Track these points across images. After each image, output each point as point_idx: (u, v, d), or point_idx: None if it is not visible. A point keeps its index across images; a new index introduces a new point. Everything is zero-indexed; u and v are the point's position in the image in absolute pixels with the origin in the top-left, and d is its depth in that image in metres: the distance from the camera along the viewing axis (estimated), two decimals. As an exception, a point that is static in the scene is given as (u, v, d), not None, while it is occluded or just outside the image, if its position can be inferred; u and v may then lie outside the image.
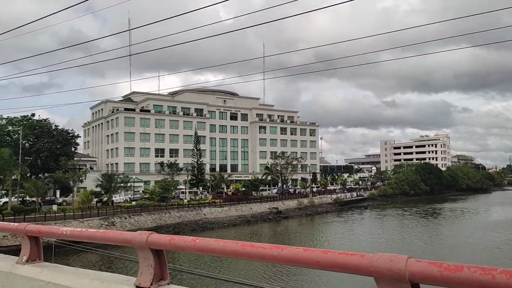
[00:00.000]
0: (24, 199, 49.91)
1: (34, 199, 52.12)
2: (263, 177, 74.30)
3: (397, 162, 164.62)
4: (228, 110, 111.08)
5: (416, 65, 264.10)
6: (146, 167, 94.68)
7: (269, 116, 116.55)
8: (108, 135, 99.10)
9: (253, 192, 73.66)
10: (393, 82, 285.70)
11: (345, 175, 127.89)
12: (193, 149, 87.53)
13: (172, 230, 48.30)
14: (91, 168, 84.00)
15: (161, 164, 70.18)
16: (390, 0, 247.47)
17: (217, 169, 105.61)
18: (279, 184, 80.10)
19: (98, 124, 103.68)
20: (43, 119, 64.14)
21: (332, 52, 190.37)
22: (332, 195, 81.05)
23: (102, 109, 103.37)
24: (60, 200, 57.88)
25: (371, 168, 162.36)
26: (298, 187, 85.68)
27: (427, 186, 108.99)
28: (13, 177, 41.95)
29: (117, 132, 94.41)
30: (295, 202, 68.78)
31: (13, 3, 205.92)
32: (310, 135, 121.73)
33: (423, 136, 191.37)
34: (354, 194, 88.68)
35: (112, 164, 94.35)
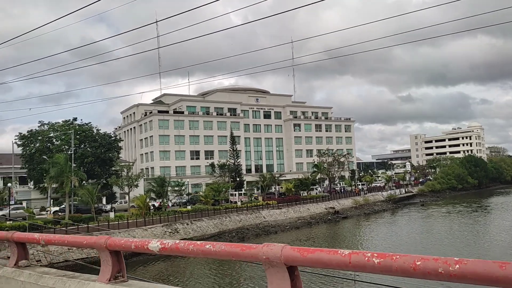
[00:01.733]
0: (77, 207, 47.07)
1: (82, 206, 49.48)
2: (312, 176, 70.47)
3: (430, 157, 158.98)
4: (261, 109, 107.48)
5: (430, 58, 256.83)
6: (182, 170, 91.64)
7: (303, 113, 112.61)
8: (141, 139, 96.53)
9: (300, 192, 69.80)
10: (407, 76, 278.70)
11: (379, 172, 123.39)
12: (230, 150, 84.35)
13: (236, 235, 44.90)
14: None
15: (212, 165, 66.88)
16: None
17: (253, 170, 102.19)
18: (326, 183, 76.13)
19: (131, 128, 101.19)
20: (85, 123, 61.38)
21: (344, 48, 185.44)
22: (383, 192, 76.75)
23: (134, 113, 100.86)
24: (109, 207, 54.97)
25: (405, 163, 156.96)
26: (344, 185, 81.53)
27: (474, 179, 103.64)
28: (70, 184, 38.92)
29: (151, 136, 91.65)
30: (350, 201, 64.81)
31: (28, 15, 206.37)
32: (345, 131, 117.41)
33: (455, 129, 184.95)
34: (403, 190, 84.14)
35: (147, 168, 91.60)
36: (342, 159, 74.12)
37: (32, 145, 58.00)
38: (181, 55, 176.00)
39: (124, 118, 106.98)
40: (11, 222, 37.12)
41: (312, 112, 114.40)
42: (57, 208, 48.55)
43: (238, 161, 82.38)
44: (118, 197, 62.43)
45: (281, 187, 67.69)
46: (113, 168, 63.03)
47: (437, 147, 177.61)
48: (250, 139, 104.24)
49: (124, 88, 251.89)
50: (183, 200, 63.45)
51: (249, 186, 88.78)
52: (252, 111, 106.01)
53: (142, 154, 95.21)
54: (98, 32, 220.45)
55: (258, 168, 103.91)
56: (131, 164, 53.50)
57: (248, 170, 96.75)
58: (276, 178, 65.83)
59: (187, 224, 43.04)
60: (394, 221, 56.43)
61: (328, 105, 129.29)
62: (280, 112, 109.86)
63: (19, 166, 58.24)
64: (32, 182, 61.61)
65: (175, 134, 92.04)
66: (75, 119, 60.62)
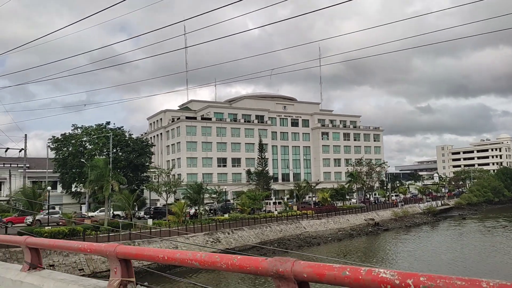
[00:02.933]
0: (114, 213, 45.58)
1: (118, 212, 47.99)
2: (347, 185, 67.81)
3: (457, 169, 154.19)
4: (289, 116, 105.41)
5: (451, 68, 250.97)
6: (209, 177, 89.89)
7: (331, 121, 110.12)
8: (168, 145, 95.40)
9: (334, 202, 67.16)
10: (427, 87, 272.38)
11: (406, 183, 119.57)
12: (258, 158, 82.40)
13: (278, 246, 42.63)
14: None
15: (249, 172, 64.93)
16: (419, 4, 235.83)
17: (280, 179, 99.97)
18: (358, 193, 73.33)
19: (157, 135, 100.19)
20: (118, 128, 60.25)
21: (363, 59, 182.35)
22: (420, 204, 73.52)
23: (161, 118, 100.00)
24: (142, 213, 53.41)
25: (432, 175, 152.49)
26: (378, 195, 78.49)
27: (510, 192, 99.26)
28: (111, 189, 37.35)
29: (179, 142, 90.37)
30: (389, 213, 61.92)
31: (53, 24, 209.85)
32: (374, 140, 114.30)
33: (483, 140, 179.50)
34: (439, 202, 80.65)
35: (174, 175, 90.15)
36: (377, 169, 71.35)
37: (65, 149, 57.06)
38: (199, 64, 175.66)
39: (151, 124, 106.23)
40: (49, 227, 35.72)
41: (340, 121, 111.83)
42: (93, 214, 47.14)
43: (266, 169, 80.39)
44: (148, 203, 60.92)
45: (316, 196, 65.17)
46: (144, 174, 61.66)
47: (465, 159, 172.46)
48: (278, 147, 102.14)
49: (143, 96, 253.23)
50: (213, 208, 61.54)
51: (275, 195, 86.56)
52: (280, 118, 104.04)
53: (169, 160, 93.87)
54: (119, 40, 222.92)
55: (284, 177, 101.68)
56: (169, 169, 51.93)
57: (275, 179, 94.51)
58: (312, 187, 63.37)
59: (228, 234, 41.03)
60: (440, 236, 53.33)
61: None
62: (308, 120, 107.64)
63: (51, 170, 57.32)
64: (61, 186, 60.67)
65: (202, 141, 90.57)
66: (108, 123, 59.63)
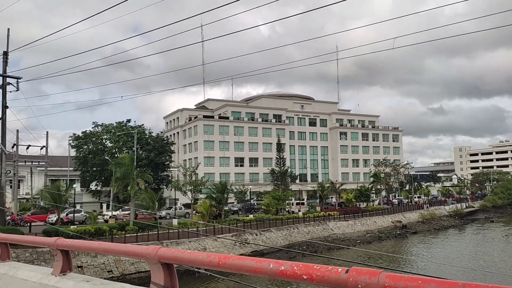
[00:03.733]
0: (136, 212, 44.41)
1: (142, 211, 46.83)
2: (370, 186, 65.92)
3: (475, 170, 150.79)
4: (307, 116, 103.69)
5: (463, 69, 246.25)
6: (226, 177, 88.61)
7: (349, 121, 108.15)
8: (185, 144, 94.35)
9: (357, 203, 65.32)
10: (439, 88, 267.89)
11: (424, 185, 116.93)
12: (276, 158, 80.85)
13: (307, 248, 41.13)
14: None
15: (272, 172, 63.49)
16: (432, 5, 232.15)
17: (298, 179, 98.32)
18: (383, 194, 71.38)
19: (174, 134, 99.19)
20: (138, 125, 59.22)
21: (375, 60, 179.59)
22: (445, 206, 71.35)
23: (177, 117, 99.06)
24: (163, 213, 52.24)
25: (451, 177, 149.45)
26: (400, 197, 76.37)
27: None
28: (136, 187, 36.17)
29: (196, 141, 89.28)
30: (416, 215, 59.96)
31: (66, 25, 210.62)
32: (393, 140, 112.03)
33: (502, 141, 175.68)
34: (464, 205, 78.29)
35: (190, 174, 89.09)
36: (401, 169, 69.36)
37: (85, 146, 56.21)
38: (211, 64, 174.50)
39: (167, 123, 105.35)
40: (75, 226, 34.67)
41: (359, 121, 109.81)
42: (115, 213, 46.09)
43: (284, 169, 78.89)
44: (167, 203, 59.83)
45: (340, 197, 63.41)
46: (165, 173, 60.60)
47: (483, 161, 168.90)
48: (295, 147, 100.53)
49: (155, 97, 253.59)
50: (235, 208, 60.22)
51: (294, 195, 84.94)
52: (298, 118, 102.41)
53: (186, 160, 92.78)
54: (132, 43, 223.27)
55: (302, 178, 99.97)
56: (195, 168, 50.70)
57: (292, 179, 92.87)
58: (337, 188, 61.61)
59: (256, 235, 39.61)
60: (472, 239, 51.24)
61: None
62: (326, 119, 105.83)
63: (71, 168, 56.49)
64: (80, 185, 59.87)
65: (219, 140, 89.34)
66: (128, 120, 58.73)
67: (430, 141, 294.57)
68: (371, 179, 69.57)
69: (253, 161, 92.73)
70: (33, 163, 48.15)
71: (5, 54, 31.39)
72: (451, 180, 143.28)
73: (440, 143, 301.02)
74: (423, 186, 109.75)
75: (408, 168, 74.90)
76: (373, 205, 67.35)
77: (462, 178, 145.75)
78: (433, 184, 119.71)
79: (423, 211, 62.92)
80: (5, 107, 30.75)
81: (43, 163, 49.17)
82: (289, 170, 71.30)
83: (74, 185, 40.59)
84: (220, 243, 35.88)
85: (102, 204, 54.45)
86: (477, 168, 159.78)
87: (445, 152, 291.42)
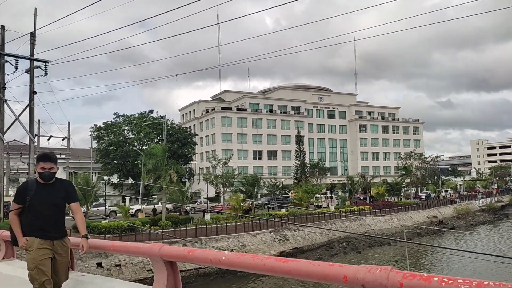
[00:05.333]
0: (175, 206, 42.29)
1: (168, 205, 44.58)
2: (400, 180, 63.23)
3: (493, 164, 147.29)
4: (326, 108, 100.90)
5: (472, 62, 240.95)
6: (244, 170, 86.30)
7: (369, 113, 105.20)
8: (202, 137, 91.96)
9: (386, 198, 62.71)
10: (447, 81, 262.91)
11: (445, 178, 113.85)
12: (296, 150, 78.29)
13: (349, 246, 38.77)
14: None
15: (302, 164, 61.08)
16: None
17: (329, 172, 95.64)
18: (413, 188, 68.67)
19: (190, 126, 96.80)
20: (160, 116, 56.87)
21: (381, 53, 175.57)
22: (475, 201, 68.63)
23: (194, 109, 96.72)
24: (188, 207, 50.01)
25: (470, 170, 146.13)
26: (428, 191, 73.64)
27: None
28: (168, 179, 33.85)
29: (214, 134, 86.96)
30: (451, 210, 57.30)
31: (73, 20, 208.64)
32: (414, 133, 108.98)
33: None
34: (493, 199, 75.49)
35: (208, 168, 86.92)
36: (431, 162, 66.60)
37: (106, 138, 54.03)
38: (220, 59, 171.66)
39: (183, 115, 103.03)
40: (106, 221, 32.47)
41: (378, 113, 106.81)
42: (139, 207, 43.90)
43: (304, 162, 76.39)
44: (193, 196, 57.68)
45: (370, 191, 60.87)
46: (187, 166, 58.36)
47: (501, 154, 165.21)
48: (314, 139, 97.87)
49: (162, 91, 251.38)
50: (260, 202, 57.88)
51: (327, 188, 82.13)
52: (316, 110, 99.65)
53: (203, 152, 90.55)
54: (138, 36, 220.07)
55: (321, 171, 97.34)
56: (228, 159, 48.31)
57: (323, 172, 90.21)
58: (368, 181, 59.05)
59: (294, 231, 37.24)
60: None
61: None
62: (345, 111, 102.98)
63: (91, 161, 54.39)
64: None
65: (237, 133, 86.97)
66: (150, 111, 56.34)
67: (439, 135, 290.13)
68: (399, 172, 66.86)
69: (272, 154, 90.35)
70: (56, 155, 45.91)
71: (32, 35, 29.02)
72: (469, 174, 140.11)
73: (449, 137, 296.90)
74: (445, 179, 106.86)
75: (437, 161, 72.04)
76: (401, 199, 64.77)
77: (480, 172, 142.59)
78: (453, 178, 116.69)
79: (456, 205, 60.21)
80: (33, 92, 28.43)
81: (64, 156, 47.13)
82: (321, 163, 68.51)
83: (105, 177, 38.34)
84: (259, 240, 33.56)
85: (125, 197, 52.26)
86: (495, 161, 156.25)
87: (454, 146, 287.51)
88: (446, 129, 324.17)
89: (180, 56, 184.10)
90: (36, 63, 29.04)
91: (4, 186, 31.21)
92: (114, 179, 55.49)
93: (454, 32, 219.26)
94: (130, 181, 52.79)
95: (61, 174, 43.35)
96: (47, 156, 4.22)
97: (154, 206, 45.05)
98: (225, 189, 42.88)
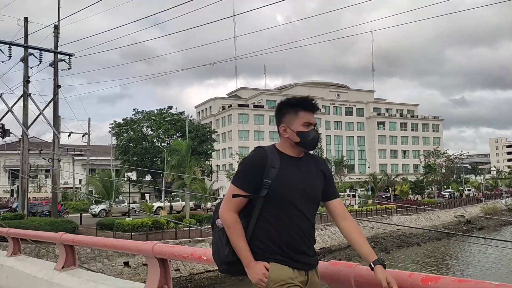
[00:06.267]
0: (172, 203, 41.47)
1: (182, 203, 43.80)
2: (424, 178, 61.54)
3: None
4: (343, 105, 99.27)
5: (487, 59, 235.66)
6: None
7: (387, 110, 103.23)
8: (219, 134, 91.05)
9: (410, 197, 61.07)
10: (461, 79, 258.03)
11: (465, 176, 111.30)
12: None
13: (377, 247, 37.42)
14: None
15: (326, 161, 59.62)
16: None
17: (333, 170, 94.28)
18: (435, 187, 66.78)
19: (206, 123, 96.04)
20: (179, 112, 56.13)
21: (394, 50, 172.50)
22: (501, 200, 66.59)
23: (210, 106, 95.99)
24: (209, 204, 49.14)
25: (489, 169, 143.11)
26: (451, 189, 71.68)
27: None
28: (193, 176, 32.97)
29: (230, 131, 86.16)
30: (478, 209, 55.49)
31: (87, 19, 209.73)
32: (433, 131, 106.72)
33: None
34: (518, 198, 73.17)
35: (224, 165, 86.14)
36: (456, 160, 64.77)
37: (126, 134, 53.44)
38: (229, 56, 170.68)
39: (199, 112, 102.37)
40: (130, 218, 31.71)
41: (397, 110, 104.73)
42: (160, 204, 43.16)
43: (339, 159, 74.91)
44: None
45: (393, 190, 59.30)
46: (207, 162, 57.46)
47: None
48: (331, 136, 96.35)
49: (174, 90, 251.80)
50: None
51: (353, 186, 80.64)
52: (333, 107, 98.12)
53: (219, 150, 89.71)
54: (151, 35, 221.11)
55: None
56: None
57: (348, 169, 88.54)
58: (392, 180, 57.53)
59: (321, 230, 36.06)
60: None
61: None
62: (363, 108, 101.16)
63: (109, 158, 53.89)
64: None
65: (254, 130, 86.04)
66: (170, 107, 55.61)
67: (453, 133, 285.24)
68: (418, 170, 65.06)
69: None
70: (75, 151, 45.53)
71: (56, 28, 28.37)
72: (489, 172, 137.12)
73: (464, 135, 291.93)
74: (466, 178, 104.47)
75: (462, 159, 70.10)
76: (424, 198, 63.05)
77: (500, 170, 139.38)
78: (473, 177, 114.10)
79: (483, 205, 58.36)
80: (57, 86, 27.79)
81: (83, 152, 46.68)
82: (345, 160, 67.17)
83: (128, 173, 37.63)
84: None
85: (144, 194, 51.66)
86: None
87: (469, 144, 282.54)
88: (460, 127, 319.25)
89: (193, 55, 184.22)
90: (60, 56, 28.45)
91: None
92: (133, 176, 54.95)
93: (469, 29, 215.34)
94: (149, 178, 52.08)
95: (80, 171, 42.77)
96: (313, 104, 2.21)
97: (171, 204, 44.29)
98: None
